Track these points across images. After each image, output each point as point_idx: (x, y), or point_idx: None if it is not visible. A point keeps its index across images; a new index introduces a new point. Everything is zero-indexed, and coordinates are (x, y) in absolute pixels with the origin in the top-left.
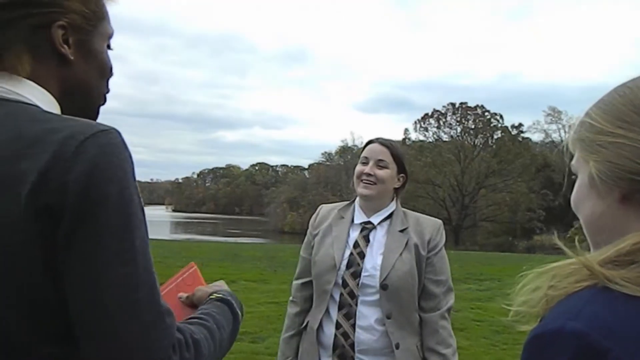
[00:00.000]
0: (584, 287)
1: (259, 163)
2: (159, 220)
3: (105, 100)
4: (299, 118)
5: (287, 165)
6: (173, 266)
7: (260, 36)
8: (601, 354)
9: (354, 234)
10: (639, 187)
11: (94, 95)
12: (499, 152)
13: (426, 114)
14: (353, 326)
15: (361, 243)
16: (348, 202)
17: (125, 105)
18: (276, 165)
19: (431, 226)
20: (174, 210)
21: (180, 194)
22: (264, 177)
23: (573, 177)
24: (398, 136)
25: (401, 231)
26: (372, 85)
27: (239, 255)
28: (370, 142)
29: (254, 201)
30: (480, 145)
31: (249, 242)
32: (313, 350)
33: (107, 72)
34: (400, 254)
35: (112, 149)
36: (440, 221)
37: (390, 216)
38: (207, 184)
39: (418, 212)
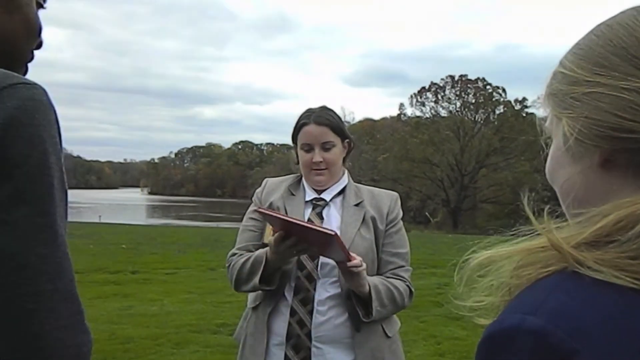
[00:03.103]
0: (551, 272)
1: (242, 141)
2: (133, 204)
3: (32, 57)
4: (284, 92)
5: (272, 144)
6: (146, 253)
7: (240, 2)
8: (565, 357)
9: (307, 212)
10: (623, 147)
11: (18, 50)
12: (501, 128)
13: (423, 88)
14: (310, 312)
15: (315, 221)
16: (294, 175)
17: (92, 78)
18: (261, 144)
19: (387, 198)
20: (150, 193)
21: (156, 176)
22: (247, 156)
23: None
24: (392, 112)
25: (356, 205)
26: (361, 57)
27: (220, 241)
28: (303, 123)
29: (237, 183)
30: (481, 121)
31: (231, 227)
32: (261, 337)
33: (34, 30)
34: (359, 229)
35: (35, 106)
36: (396, 193)
37: (342, 191)
38: (185, 164)
39: (415, 193)
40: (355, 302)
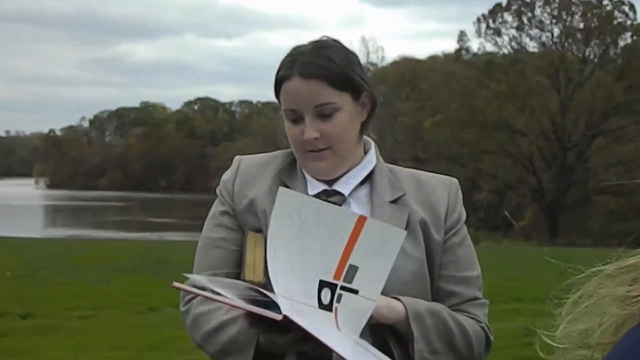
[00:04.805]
0: None
1: (200, 99)
2: (22, 205)
3: None
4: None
5: (249, 102)
6: (47, 284)
7: None
8: None
9: None
10: None
11: None
12: (627, 70)
13: (498, 6)
14: None
15: None
16: (285, 152)
17: None
18: (230, 103)
19: (444, 189)
20: (49, 187)
21: (59, 158)
22: (209, 123)
23: None
24: (447, 46)
25: (394, 202)
26: None
27: (166, 263)
28: (283, 77)
29: (192, 167)
30: (595, 60)
31: (184, 240)
32: None
33: None
34: None
35: None
36: (456, 180)
37: (369, 178)
38: (107, 139)
39: (485, 180)
40: (388, 335)
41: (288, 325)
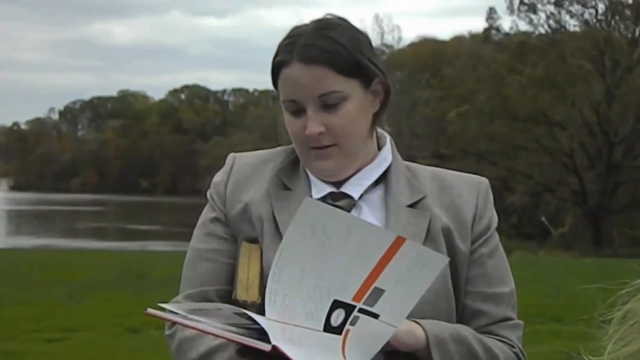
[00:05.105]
0: None
1: (187, 87)
2: None
3: None
4: None
5: (244, 91)
6: (9, 302)
7: None
8: None
9: None
10: None
11: None
12: None
13: None
14: None
15: None
16: (286, 149)
17: None
18: (222, 92)
19: (471, 191)
20: (12, 189)
21: (24, 155)
22: (198, 115)
23: None
24: (474, 25)
25: (412, 206)
26: None
27: (149, 277)
28: (280, 62)
29: (178, 165)
30: None
31: (170, 251)
32: None
33: None
34: None
35: None
36: (486, 180)
37: (383, 178)
38: (80, 133)
39: (519, 180)
40: None
41: (278, 355)
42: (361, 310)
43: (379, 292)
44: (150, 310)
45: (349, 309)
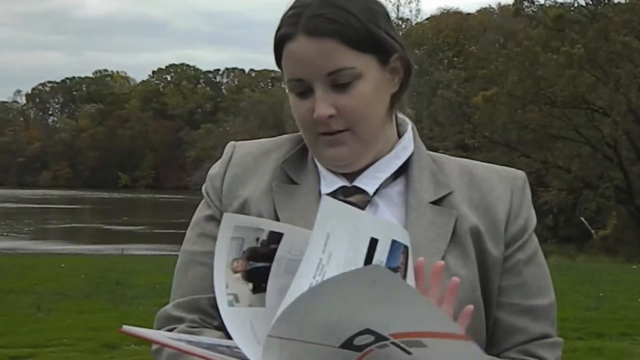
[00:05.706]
0: None
1: (172, 66)
2: None
3: None
4: None
5: (239, 71)
6: None
7: None
8: None
9: None
10: None
11: None
12: None
13: None
14: None
15: None
16: (292, 137)
17: None
18: (214, 72)
19: (504, 186)
20: None
21: None
22: (185, 99)
23: None
24: None
25: (437, 202)
26: None
27: (129, 284)
28: (284, 36)
29: (163, 156)
30: None
31: (150, 254)
32: None
33: None
34: (444, 257)
35: None
36: (521, 173)
37: (402, 171)
38: (50, 120)
39: (555, 175)
40: None
41: None
42: (395, 344)
43: (420, 344)
44: (125, 328)
45: (381, 339)
